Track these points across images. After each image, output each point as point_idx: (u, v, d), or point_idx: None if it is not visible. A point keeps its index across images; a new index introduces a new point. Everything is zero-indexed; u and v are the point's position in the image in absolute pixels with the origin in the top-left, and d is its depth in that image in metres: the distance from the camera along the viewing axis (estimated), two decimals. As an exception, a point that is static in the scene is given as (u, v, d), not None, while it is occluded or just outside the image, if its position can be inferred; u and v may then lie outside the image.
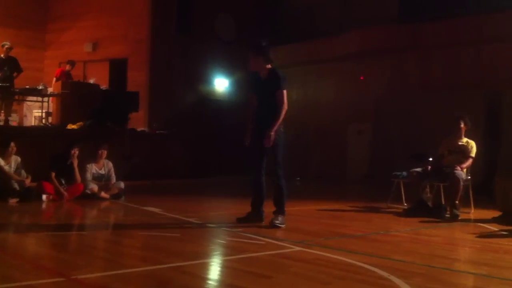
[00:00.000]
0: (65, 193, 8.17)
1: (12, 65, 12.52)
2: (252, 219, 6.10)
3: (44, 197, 8.04)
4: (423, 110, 12.47)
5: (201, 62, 15.37)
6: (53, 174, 8.17)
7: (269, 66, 6.01)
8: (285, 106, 5.90)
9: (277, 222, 5.85)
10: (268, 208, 6.14)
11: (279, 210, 5.98)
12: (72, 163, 8.37)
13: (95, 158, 8.74)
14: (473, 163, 7.69)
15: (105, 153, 8.78)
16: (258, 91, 6.10)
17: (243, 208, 6.33)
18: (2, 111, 12.42)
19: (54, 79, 13.37)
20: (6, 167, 7.92)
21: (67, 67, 13.52)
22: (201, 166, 13.61)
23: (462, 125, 7.71)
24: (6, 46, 12.46)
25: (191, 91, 15.21)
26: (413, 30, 13.21)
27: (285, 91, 5.93)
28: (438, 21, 12.84)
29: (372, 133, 14.03)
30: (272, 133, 5.79)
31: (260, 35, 16.28)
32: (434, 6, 13.13)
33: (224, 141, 14.13)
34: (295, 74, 15.93)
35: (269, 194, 6.11)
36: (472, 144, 7.65)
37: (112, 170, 8.83)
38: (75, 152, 8.39)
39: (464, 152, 7.63)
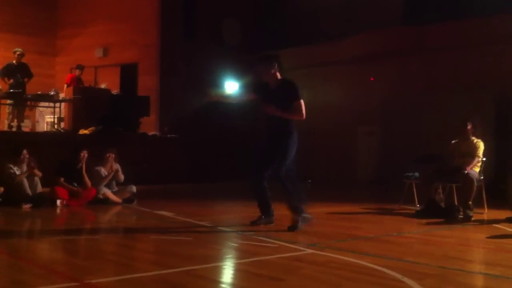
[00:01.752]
0: (81, 191, 8.21)
1: (24, 71, 12.62)
2: (263, 221, 6.12)
3: (58, 202, 8.07)
4: (430, 112, 12.40)
5: (209, 66, 15.39)
6: (61, 179, 8.22)
7: (279, 76, 6.09)
8: (303, 116, 5.97)
9: (295, 224, 5.87)
10: (278, 210, 6.14)
11: (294, 212, 5.96)
12: (81, 167, 8.41)
13: (102, 162, 8.77)
14: (484, 162, 7.65)
15: (112, 156, 8.80)
16: (266, 100, 6.06)
17: (255, 211, 6.32)
18: (15, 117, 12.51)
19: (65, 85, 13.45)
20: (18, 173, 7.98)
21: (77, 72, 13.59)
22: (212, 170, 13.61)
23: (469, 127, 7.66)
24: (18, 53, 12.56)
25: (201, 94, 15.21)
26: (418, 32, 13.14)
27: (302, 102, 5.96)
28: (443, 23, 12.77)
29: (380, 135, 13.97)
30: (273, 109, 5.85)
31: (265, 38, 16.34)
32: (439, 7, 13.06)
33: (235, 145, 14.12)
34: (301, 77, 15.78)
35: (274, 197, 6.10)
36: (479, 144, 7.57)
37: (120, 171, 8.81)
38: (84, 155, 8.43)
39: (472, 152, 7.58)
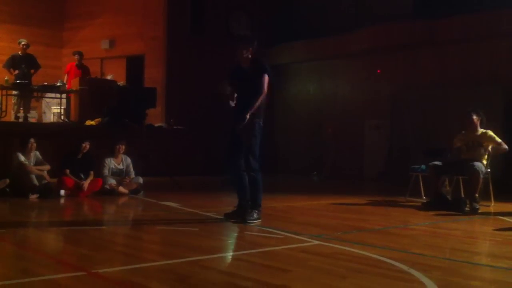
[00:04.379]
0: (84, 183, 8.21)
1: (29, 62, 12.63)
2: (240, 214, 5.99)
3: (62, 192, 8.13)
4: (439, 106, 12.34)
5: (216, 58, 15.35)
6: (67, 171, 8.25)
7: (249, 55, 5.94)
8: (264, 91, 5.76)
9: (250, 218, 5.73)
10: (284, 202, 6.13)
11: (253, 205, 5.86)
12: (84, 157, 8.44)
13: (113, 153, 8.81)
14: (491, 155, 7.63)
15: (122, 148, 8.85)
16: (239, 82, 6.00)
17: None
18: (21, 108, 12.55)
19: (66, 75, 13.38)
20: (27, 163, 8.04)
21: (76, 58, 13.43)
22: (218, 162, 13.59)
23: (474, 117, 7.64)
24: (23, 43, 12.57)
25: (207, 87, 15.21)
26: (428, 26, 13.04)
27: (266, 77, 5.80)
28: (453, 16, 12.67)
29: (389, 129, 13.92)
30: (247, 116, 5.69)
31: (274, 31, 16.29)
32: (449, 1, 12.94)
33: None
34: (310, 70, 15.89)
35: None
36: (490, 132, 7.58)
37: (131, 165, 8.90)
38: (86, 146, 8.46)
39: (482, 143, 7.55)
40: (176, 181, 10.23)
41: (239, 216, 5.89)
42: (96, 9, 15.88)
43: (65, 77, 13.36)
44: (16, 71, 12.34)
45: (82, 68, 13.41)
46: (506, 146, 7.58)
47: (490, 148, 7.58)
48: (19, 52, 12.58)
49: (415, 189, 8.51)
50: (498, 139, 7.58)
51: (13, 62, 12.46)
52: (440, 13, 12.89)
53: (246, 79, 5.92)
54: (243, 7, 16.27)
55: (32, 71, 12.64)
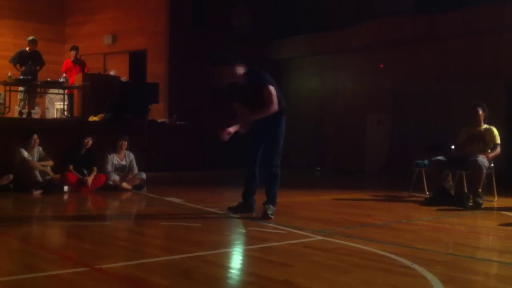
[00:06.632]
0: (87, 179, 8.22)
1: (36, 59, 12.66)
2: (243, 209, 6.04)
3: (65, 188, 8.15)
4: (441, 100, 12.32)
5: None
6: (71, 167, 8.26)
7: (242, 70, 5.78)
8: (274, 106, 5.57)
9: (269, 212, 5.71)
10: (287, 197, 6.13)
11: (270, 200, 5.84)
12: (87, 153, 8.45)
13: (115, 149, 8.81)
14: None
15: (125, 144, 8.85)
16: (244, 100, 5.87)
17: (263, 198, 6.31)
18: (26, 104, 12.57)
19: (63, 74, 13.34)
20: (30, 159, 8.06)
21: (72, 55, 13.39)
22: (221, 158, 13.61)
23: (480, 112, 7.64)
24: (32, 40, 12.63)
25: (210, 82, 15.19)
26: (430, 20, 13.00)
27: (270, 87, 5.58)
28: (455, 10, 12.63)
29: (390, 123, 13.91)
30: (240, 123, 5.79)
31: (276, 26, 16.23)
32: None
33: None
34: (312, 64, 15.89)
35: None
36: (494, 130, 7.57)
37: (134, 161, 8.91)
38: (88, 141, 8.46)
39: (485, 138, 7.56)
40: (177, 176, 10.24)
41: (243, 211, 5.94)
42: (98, 4, 15.87)
43: (63, 74, 13.31)
44: (23, 68, 12.37)
45: (79, 63, 13.40)
46: (499, 150, 7.55)
47: (499, 140, 7.57)
48: (27, 49, 12.60)
49: (418, 184, 8.51)
50: (498, 141, 7.55)
51: (20, 58, 12.49)
52: (441, 7, 12.84)
53: (249, 95, 5.72)
54: (245, 2, 16.23)
55: (38, 67, 12.66)
